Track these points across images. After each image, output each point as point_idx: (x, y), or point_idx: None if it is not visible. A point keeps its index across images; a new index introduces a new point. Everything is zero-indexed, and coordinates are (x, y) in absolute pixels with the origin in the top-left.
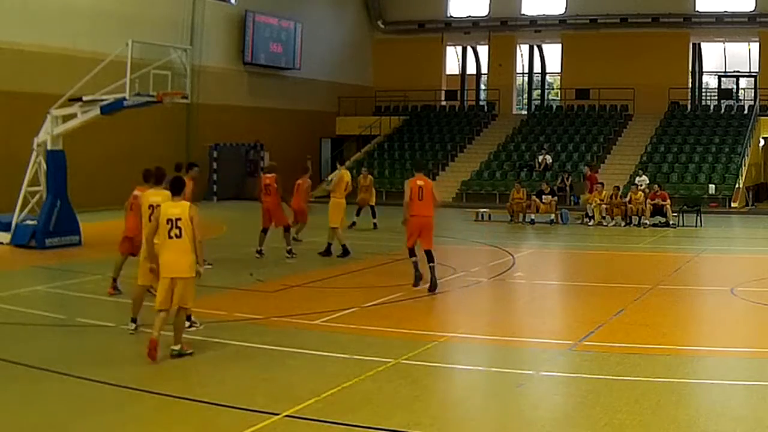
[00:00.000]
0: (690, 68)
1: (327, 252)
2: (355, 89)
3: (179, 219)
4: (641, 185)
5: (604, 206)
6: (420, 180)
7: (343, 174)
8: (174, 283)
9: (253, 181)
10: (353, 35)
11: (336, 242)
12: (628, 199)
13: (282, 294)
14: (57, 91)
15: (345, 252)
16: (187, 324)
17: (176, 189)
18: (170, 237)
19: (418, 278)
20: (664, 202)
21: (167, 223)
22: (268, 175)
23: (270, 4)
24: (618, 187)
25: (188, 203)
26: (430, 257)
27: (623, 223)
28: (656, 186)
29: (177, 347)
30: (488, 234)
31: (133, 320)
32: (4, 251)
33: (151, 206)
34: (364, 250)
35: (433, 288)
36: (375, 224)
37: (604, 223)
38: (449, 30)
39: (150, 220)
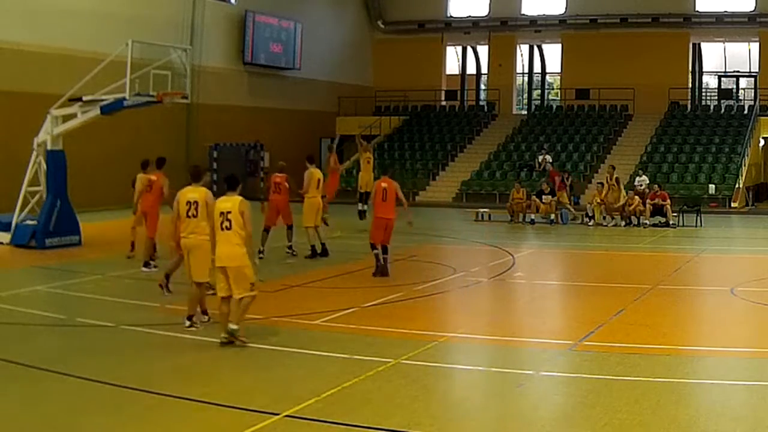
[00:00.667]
0: (690, 68)
1: (324, 252)
2: (355, 89)
3: (230, 212)
4: (641, 185)
5: (603, 206)
6: (384, 182)
7: (313, 172)
8: (225, 271)
9: (254, 181)
10: (353, 35)
11: (315, 242)
12: (624, 203)
13: (282, 294)
14: (57, 91)
15: (313, 254)
16: (187, 323)
17: (231, 185)
18: (222, 229)
19: (379, 269)
20: (664, 202)
21: (220, 215)
22: (279, 175)
23: (270, 4)
24: (613, 167)
25: (240, 198)
26: (385, 250)
27: (623, 223)
28: (656, 186)
29: (235, 327)
30: (488, 234)
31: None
32: (4, 251)
33: (188, 203)
34: (363, 250)
35: (383, 274)
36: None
37: (604, 223)
38: (449, 30)
39: (188, 215)
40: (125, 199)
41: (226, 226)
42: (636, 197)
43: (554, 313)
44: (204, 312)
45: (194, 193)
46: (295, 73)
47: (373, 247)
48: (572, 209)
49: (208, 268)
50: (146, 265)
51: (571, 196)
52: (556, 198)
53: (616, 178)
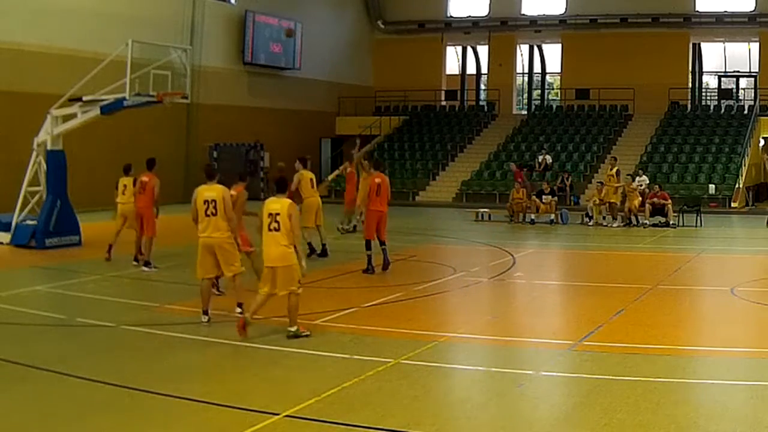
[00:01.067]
0: (690, 68)
1: (323, 252)
2: (355, 89)
3: (278, 214)
4: (641, 185)
5: (603, 205)
6: (378, 177)
7: (303, 173)
8: (274, 271)
9: (254, 182)
10: (353, 35)
11: (313, 240)
12: (622, 192)
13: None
14: (57, 91)
15: (311, 253)
16: (238, 311)
17: (281, 187)
18: (270, 230)
19: (370, 270)
20: (665, 202)
21: (268, 217)
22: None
23: (270, 4)
24: (615, 158)
25: (288, 201)
26: (383, 243)
27: (621, 223)
28: (656, 186)
29: (293, 329)
30: (488, 234)
31: (206, 312)
32: (4, 251)
33: (206, 201)
34: (363, 250)
35: (386, 267)
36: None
37: (604, 223)
38: (449, 30)
39: (207, 214)
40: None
41: (275, 228)
42: (634, 186)
43: (554, 313)
44: (205, 312)
45: (211, 191)
46: (295, 73)
47: (368, 246)
48: (605, 209)
49: (238, 258)
50: (147, 264)
51: (571, 196)
52: (595, 200)
53: (617, 170)
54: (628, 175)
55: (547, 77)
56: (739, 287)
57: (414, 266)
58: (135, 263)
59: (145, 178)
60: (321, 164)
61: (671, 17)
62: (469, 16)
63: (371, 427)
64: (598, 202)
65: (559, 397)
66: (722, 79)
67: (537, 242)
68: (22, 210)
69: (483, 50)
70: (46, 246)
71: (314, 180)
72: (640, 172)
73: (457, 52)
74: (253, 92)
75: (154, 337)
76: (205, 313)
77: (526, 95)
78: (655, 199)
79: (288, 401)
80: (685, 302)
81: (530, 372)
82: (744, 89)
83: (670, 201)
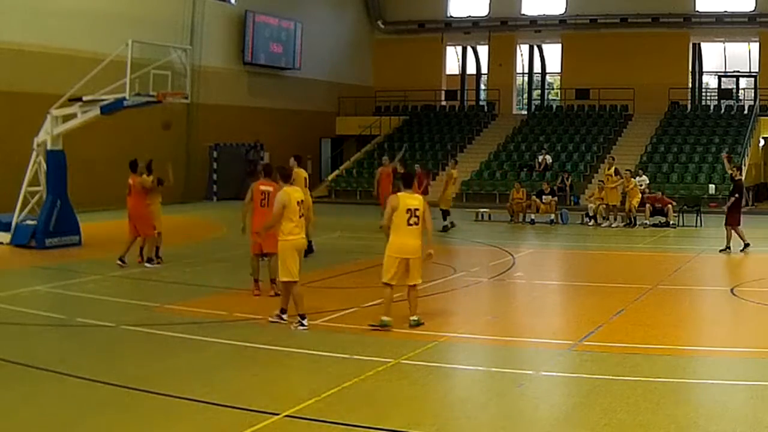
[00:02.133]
0: (690, 68)
1: (309, 248)
2: (355, 89)
3: (417, 209)
4: (641, 185)
5: (602, 205)
6: None
7: (298, 172)
8: (407, 263)
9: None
10: (353, 35)
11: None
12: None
13: None
14: (57, 91)
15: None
16: (304, 325)
17: (407, 182)
18: (409, 224)
19: None
20: (667, 200)
21: (407, 212)
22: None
23: (270, 4)
24: (613, 158)
25: (421, 196)
26: None
27: (622, 223)
28: (659, 193)
29: (415, 318)
30: (488, 234)
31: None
32: (4, 251)
33: (298, 203)
34: (363, 250)
35: None
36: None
37: (604, 225)
38: (449, 30)
39: (300, 216)
40: (125, 200)
41: (414, 222)
42: (633, 181)
43: (554, 313)
44: (302, 316)
45: (300, 193)
46: (295, 73)
47: None
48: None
49: None
50: (149, 261)
51: (571, 196)
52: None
53: (615, 169)
54: (627, 170)
55: (547, 77)
56: (739, 287)
57: None
58: (148, 265)
59: (130, 181)
60: (321, 164)
61: (671, 17)
62: (469, 16)
63: (371, 427)
64: (597, 195)
65: (559, 397)
66: (722, 79)
67: (537, 242)
68: (22, 210)
69: (483, 50)
70: (46, 246)
71: (308, 179)
72: (640, 171)
73: (457, 52)
74: (253, 92)
75: (154, 337)
76: (303, 317)
77: (526, 95)
78: (657, 204)
79: (288, 401)
80: (685, 302)
81: (530, 372)
82: (744, 89)
83: (673, 202)
